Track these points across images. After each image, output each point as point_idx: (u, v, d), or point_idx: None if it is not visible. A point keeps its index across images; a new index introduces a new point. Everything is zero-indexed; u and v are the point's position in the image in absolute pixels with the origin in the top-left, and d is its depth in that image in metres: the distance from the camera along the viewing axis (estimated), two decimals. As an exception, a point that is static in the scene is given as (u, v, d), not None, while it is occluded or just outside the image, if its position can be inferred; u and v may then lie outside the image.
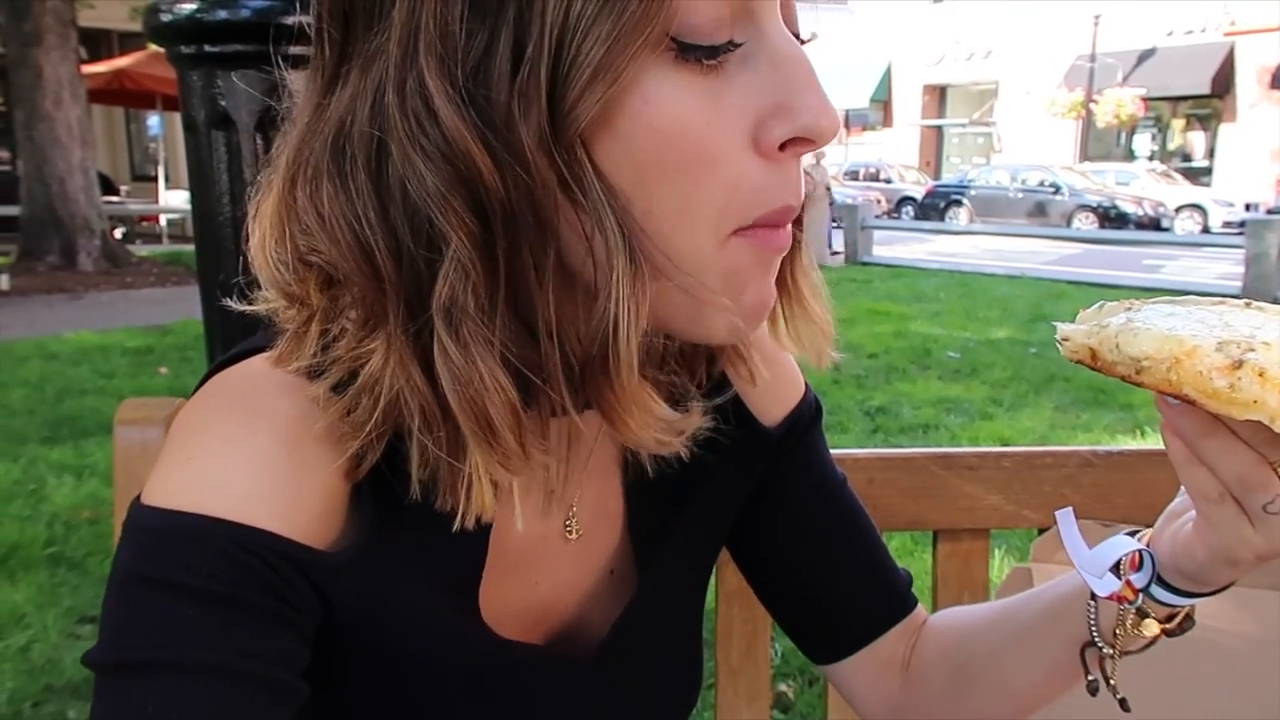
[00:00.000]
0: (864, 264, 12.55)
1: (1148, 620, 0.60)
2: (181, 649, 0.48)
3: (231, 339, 1.33)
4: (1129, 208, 19.85)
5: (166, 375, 5.85)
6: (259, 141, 1.27)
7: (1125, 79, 24.90)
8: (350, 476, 0.53)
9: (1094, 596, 0.61)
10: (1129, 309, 0.54)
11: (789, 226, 0.52)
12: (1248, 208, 19.55)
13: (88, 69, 11.34)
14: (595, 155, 0.46)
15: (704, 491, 0.69)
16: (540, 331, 0.48)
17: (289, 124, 0.53)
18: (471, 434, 0.48)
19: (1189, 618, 0.61)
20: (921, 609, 0.77)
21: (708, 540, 0.73)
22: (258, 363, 0.56)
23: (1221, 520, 0.53)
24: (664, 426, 0.52)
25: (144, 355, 6.44)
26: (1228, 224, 18.94)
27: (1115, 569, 0.59)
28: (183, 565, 0.49)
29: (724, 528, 0.74)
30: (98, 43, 17.00)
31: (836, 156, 26.14)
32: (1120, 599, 0.59)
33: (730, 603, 0.99)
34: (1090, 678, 0.63)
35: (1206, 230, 19.40)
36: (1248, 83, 23.48)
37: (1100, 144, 26.57)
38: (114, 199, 14.75)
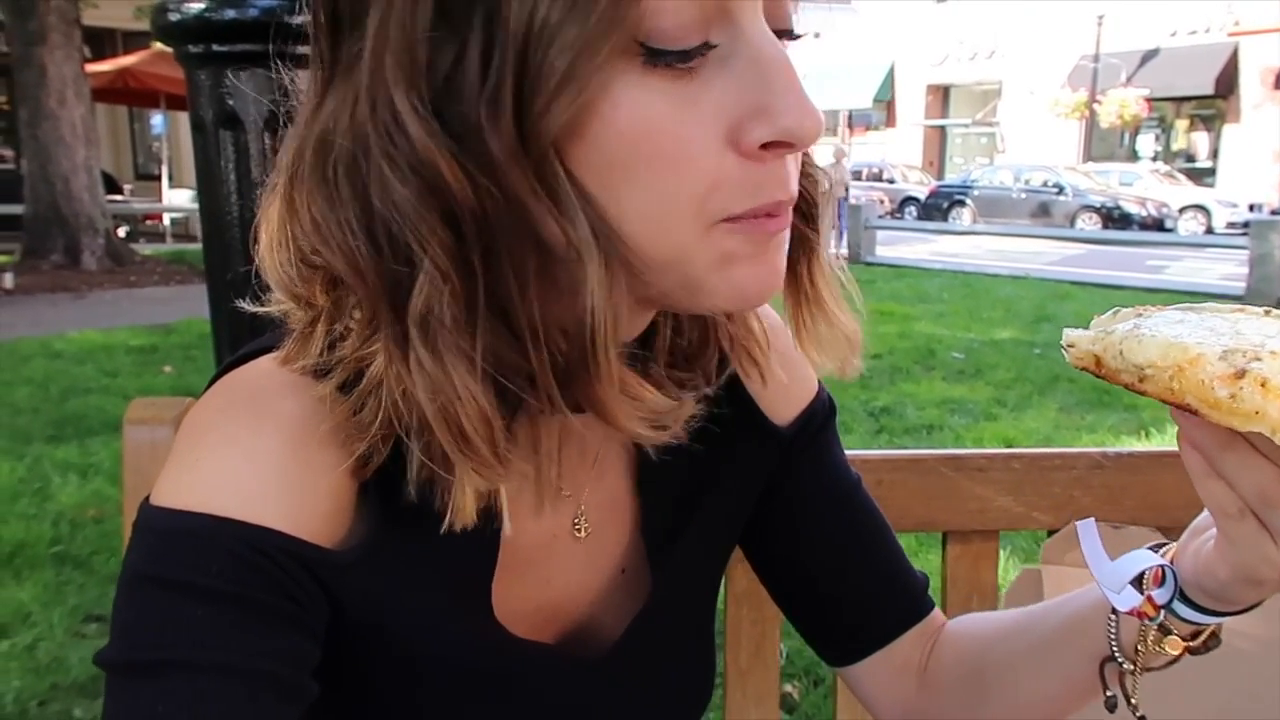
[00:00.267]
0: (867, 264, 12.55)
1: (1170, 637, 0.58)
2: (190, 648, 0.48)
3: (239, 339, 1.33)
4: (1133, 208, 19.83)
5: (171, 374, 5.86)
6: (267, 141, 1.26)
7: (1129, 79, 24.86)
8: (357, 475, 0.54)
9: (1115, 611, 0.60)
10: (1140, 315, 0.53)
11: (786, 213, 0.51)
12: (1251, 208, 19.52)
13: (92, 68, 11.35)
14: (567, 161, 0.45)
15: (716, 491, 0.69)
16: (525, 334, 0.48)
17: (292, 125, 0.53)
18: (446, 444, 0.48)
19: (1215, 636, 0.59)
20: (939, 613, 0.76)
21: (721, 540, 0.73)
22: (264, 363, 0.56)
23: (1242, 537, 0.51)
24: (656, 416, 0.51)
25: (148, 354, 6.45)
26: (1231, 225, 18.90)
27: (1139, 583, 0.58)
28: (191, 565, 0.49)
29: (737, 527, 0.74)
30: (101, 42, 17.02)
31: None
32: (1141, 615, 0.58)
33: (739, 604, 0.99)
34: (1109, 694, 0.62)
35: (1210, 231, 19.37)
36: (1252, 83, 23.44)
37: (1104, 144, 26.54)
38: (118, 198, 14.78)
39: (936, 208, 22.23)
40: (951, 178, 25.99)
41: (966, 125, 30.91)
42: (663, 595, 0.67)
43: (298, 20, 0.53)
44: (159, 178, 16.18)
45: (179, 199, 15.45)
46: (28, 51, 9.87)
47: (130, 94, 14.70)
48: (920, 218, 21.98)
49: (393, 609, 0.56)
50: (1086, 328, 0.53)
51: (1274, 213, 17.69)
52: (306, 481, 0.52)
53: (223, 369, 0.58)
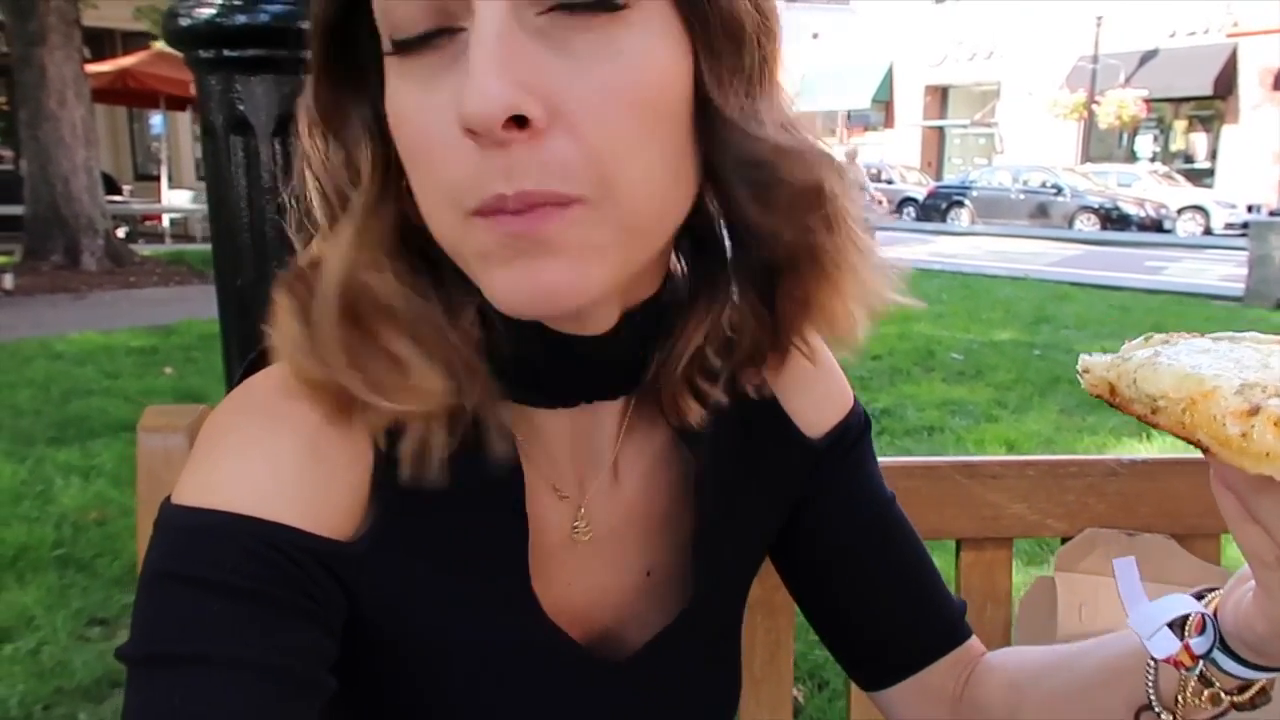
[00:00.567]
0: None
1: (1213, 689, 0.54)
2: (208, 643, 0.49)
3: (248, 344, 1.33)
4: (1131, 209, 19.84)
5: (171, 375, 5.84)
6: (277, 146, 1.27)
7: (1127, 80, 24.87)
8: (373, 470, 0.55)
9: (1154, 658, 0.56)
10: (1167, 341, 0.49)
11: (540, 214, 0.46)
12: (1250, 209, 19.52)
13: (91, 68, 11.33)
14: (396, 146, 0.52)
15: (748, 500, 0.69)
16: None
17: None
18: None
19: (1264, 692, 0.54)
20: (977, 642, 0.73)
21: (752, 549, 0.73)
22: (280, 367, 0.57)
23: None
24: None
25: (149, 355, 6.44)
26: (1230, 226, 18.94)
27: (1181, 629, 0.54)
28: (209, 561, 0.50)
29: (768, 538, 0.73)
30: (101, 42, 17.01)
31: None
32: (1177, 664, 0.54)
33: (753, 612, 0.99)
34: None
35: (1209, 232, 19.41)
36: (1250, 84, 23.45)
37: (1102, 145, 26.55)
38: (117, 198, 14.75)
39: (935, 209, 22.25)
40: (950, 178, 26.00)
41: (965, 126, 30.92)
42: (696, 601, 0.67)
43: (308, 26, 0.54)
44: (158, 178, 16.18)
45: (178, 199, 15.46)
46: (28, 52, 9.85)
47: (130, 95, 14.68)
48: (918, 218, 22.02)
49: (420, 592, 0.57)
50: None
51: (1273, 214, 17.67)
52: (322, 478, 0.54)
53: (245, 369, 0.60)
